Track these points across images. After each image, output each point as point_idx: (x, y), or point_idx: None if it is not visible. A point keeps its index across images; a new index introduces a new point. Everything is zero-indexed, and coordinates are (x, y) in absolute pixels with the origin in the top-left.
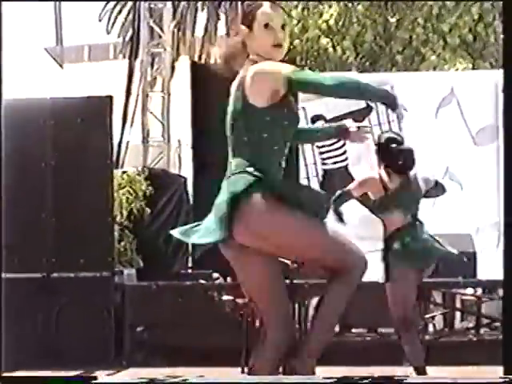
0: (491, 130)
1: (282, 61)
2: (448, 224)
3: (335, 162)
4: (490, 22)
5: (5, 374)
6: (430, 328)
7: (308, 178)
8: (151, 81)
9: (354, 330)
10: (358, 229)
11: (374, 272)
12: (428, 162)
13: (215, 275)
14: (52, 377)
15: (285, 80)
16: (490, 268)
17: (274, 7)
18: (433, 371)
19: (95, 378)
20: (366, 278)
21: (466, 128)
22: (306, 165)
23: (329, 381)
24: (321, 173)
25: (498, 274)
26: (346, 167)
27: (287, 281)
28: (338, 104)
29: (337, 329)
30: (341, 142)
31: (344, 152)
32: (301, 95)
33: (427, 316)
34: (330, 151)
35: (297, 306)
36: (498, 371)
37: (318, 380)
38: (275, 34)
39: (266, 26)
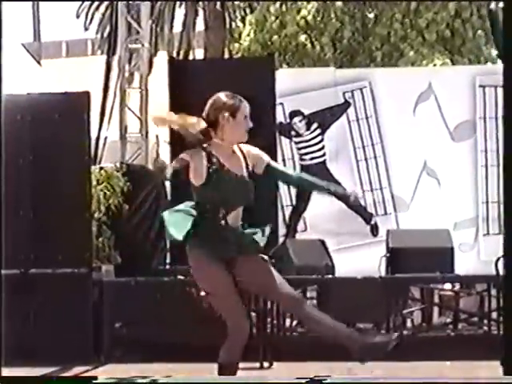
0: (469, 125)
1: (261, 57)
2: (426, 219)
3: (313, 158)
4: (467, 18)
5: (5, 374)
6: (409, 323)
7: None
8: (129, 77)
9: None
10: (335, 224)
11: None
12: (406, 158)
13: None
14: (52, 377)
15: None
16: (467, 263)
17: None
18: (410, 366)
19: (95, 378)
20: (344, 273)
21: (443, 123)
22: (283, 160)
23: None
24: (298, 168)
25: (476, 269)
26: (323, 163)
27: None
28: (316, 100)
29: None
30: (318, 138)
31: (322, 148)
32: (279, 90)
33: (405, 311)
34: (308, 147)
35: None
36: (475, 366)
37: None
38: (248, 123)
39: (245, 117)
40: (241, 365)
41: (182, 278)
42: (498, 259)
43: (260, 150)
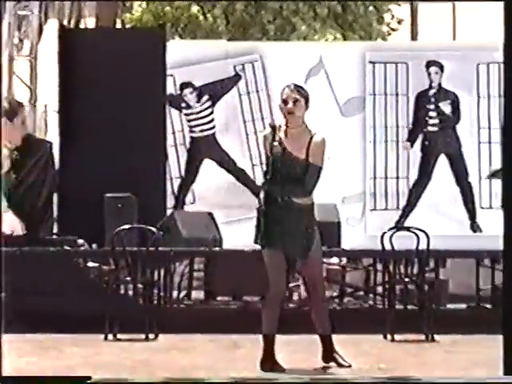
0: (358, 101)
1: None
2: (314, 193)
3: (202, 130)
4: None
5: (5, 375)
6: (295, 297)
7: (175, 145)
8: (18, 44)
9: (219, 298)
10: (223, 197)
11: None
12: None
13: (80, 241)
14: (52, 377)
15: None
16: (354, 238)
17: None
18: (298, 339)
19: (89, 378)
20: (232, 245)
21: (333, 98)
22: (173, 132)
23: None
24: (188, 140)
25: (362, 244)
26: (213, 135)
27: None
28: (207, 72)
29: (202, 297)
30: (209, 110)
31: (211, 120)
32: (170, 61)
33: (291, 285)
34: (198, 119)
35: (162, 271)
36: (361, 340)
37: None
38: None
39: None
40: (125, 336)
41: (68, 248)
42: (384, 234)
43: (148, 121)
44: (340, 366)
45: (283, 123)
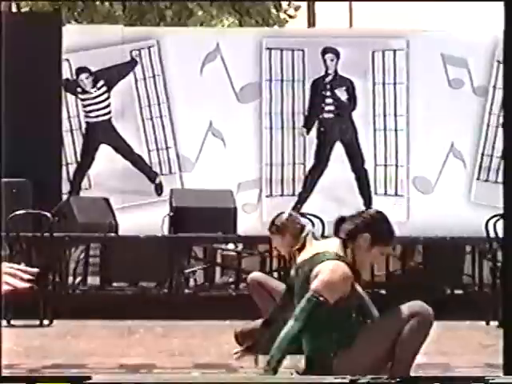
0: (254, 87)
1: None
2: (210, 180)
3: (98, 116)
4: None
5: (5, 375)
6: (191, 282)
7: (71, 130)
8: None
9: (114, 284)
10: (119, 183)
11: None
12: (192, 118)
13: None
14: (52, 377)
15: None
16: (250, 224)
17: None
18: (194, 324)
19: (89, 377)
20: (127, 232)
21: (229, 84)
22: (68, 117)
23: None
24: (84, 126)
25: (258, 230)
26: (109, 120)
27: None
28: (103, 57)
29: (97, 283)
30: (105, 96)
31: (108, 105)
32: (66, 46)
33: (187, 271)
34: (94, 104)
35: (58, 257)
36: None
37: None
38: None
39: None
40: (20, 322)
41: None
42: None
43: (44, 106)
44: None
45: None
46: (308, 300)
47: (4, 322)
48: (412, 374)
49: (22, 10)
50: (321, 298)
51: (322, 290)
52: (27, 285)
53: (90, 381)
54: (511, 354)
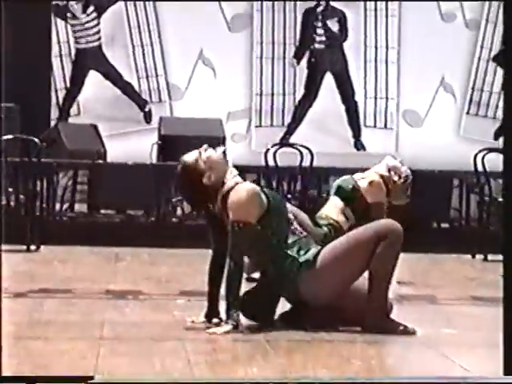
0: (245, 16)
1: None
2: (200, 108)
3: (88, 42)
4: None
5: (5, 374)
6: (178, 211)
7: (61, 56)
8: None
9: (102, 211)
10: (108, 110)
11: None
12: (183, 46)
13: None
14: (52, 377)
15: None
16: (238, 153)
17: None
18: (181, 253)
19: (92, 377)
20: (115, 159)
21: (221, 13)
22: (58, 42)
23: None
24: (74, 51)
25: (247, 159)
26: (99, 47)
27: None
28: None
29: (85, 210)
30: (95, 21)
31: (98, 31)
32: None
33: (175, 199)
34: (84, 30)
35: (45, 183)
36: None
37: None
38: None
39: None
40: (7, 247)
41: None
42: (268, 150)
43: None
44: None
45: None
46: (232, 233)
47: None
48: (397, 304)
49: None
50: (241, 225)
51: (237, 215)
52: None
53: (93, 381)
54: (511, 354)
